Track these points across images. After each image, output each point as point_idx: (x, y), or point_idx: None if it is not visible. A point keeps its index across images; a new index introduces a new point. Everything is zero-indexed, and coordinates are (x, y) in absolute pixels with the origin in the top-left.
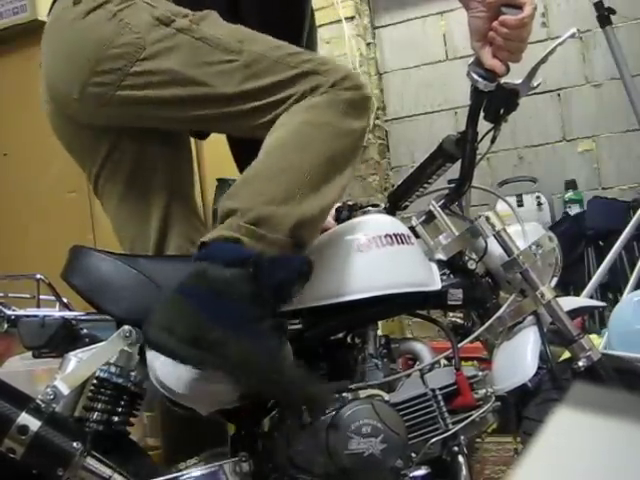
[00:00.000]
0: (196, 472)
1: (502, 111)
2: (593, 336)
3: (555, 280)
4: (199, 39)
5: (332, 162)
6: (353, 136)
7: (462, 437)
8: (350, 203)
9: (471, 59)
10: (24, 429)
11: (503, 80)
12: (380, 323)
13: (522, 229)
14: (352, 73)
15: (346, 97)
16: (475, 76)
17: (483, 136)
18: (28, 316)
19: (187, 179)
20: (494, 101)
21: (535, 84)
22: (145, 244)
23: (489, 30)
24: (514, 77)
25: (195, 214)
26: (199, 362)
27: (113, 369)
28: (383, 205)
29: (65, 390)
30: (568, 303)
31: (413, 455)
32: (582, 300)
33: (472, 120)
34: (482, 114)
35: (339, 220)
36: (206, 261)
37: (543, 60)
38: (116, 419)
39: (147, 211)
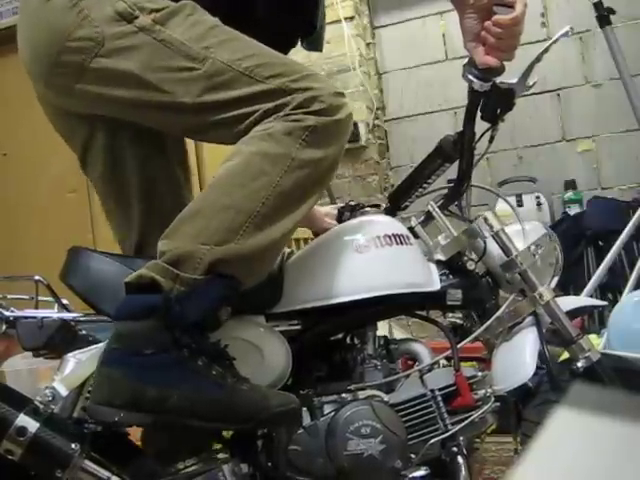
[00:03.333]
0: (195, 473)
1: (499, 111)
2: (593, 336)
3: (556, 279)
4: (160, 41)
5: (284, 197)
6: (315, 167)
7: (461, 438)
8: (352, 203)
9: (468, 60)
10: (22, 430)
11: (499, 80)
12: (380, 324)
13: (522, 228)
14: (324, 94)
15: (309, 123)
16: (470, 77)
17: (481, 136)
18: (27, 317)
19: (172, 179)
20: (490, 101)
21: (531, 83)
22: (130, 237)
23: (481, 30)
24: (510, 77)
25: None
26: (151, 423)
27: None
28: (384, 205)
29: (64, 391)
30: (570, 302)
31: (412, 456)
32: (584, 299)
33: (469, 120)
34: (479, 114)
35: (342, 221)
36: (119, 320)
37: (538, 59)
38: None
39: (127, 205)
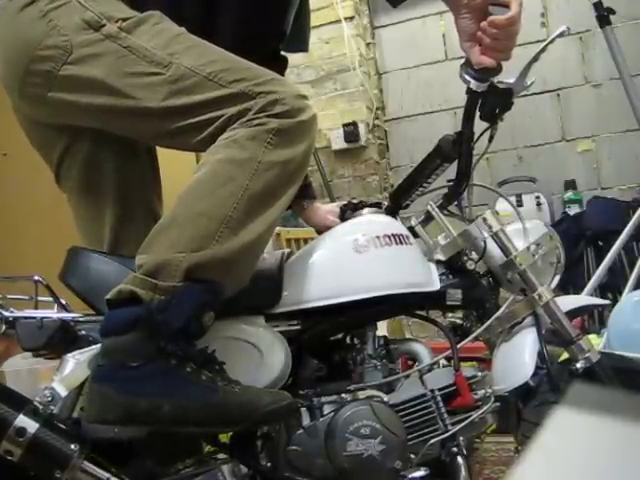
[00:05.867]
0: (194, 474)
1: (497, 110)
2: (593, 336)
3: (558, 278)
4: (126, 48)
5: (255, 200)
6: (283, 168)
7: (461, 438)
8: (355, 201)
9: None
10: (22, 431)
11: (497, 79)
12: (382, 323)
13: (523, 227)
14: (286, 96)
15: (273, 126)
16: (467, 77)
17: (479, 136)
18: (26, 317)
19: (145, 182)
20: (489, 101)
21: (529, 82)
22: (100, 240)
23: (477, 30)
24: (508, 77)
25: (154, 215)
26: (146, 434)
27: None
28: (386, 204)
29: (63, 392)
30: (570, 302)
31: (412, 456)
32: (585, 298)
33: (467, 120)
34: (478, 114)
35: (344, 219)
36: (105, 336)
37: (535, 58)
38: None
39: (101, 209)
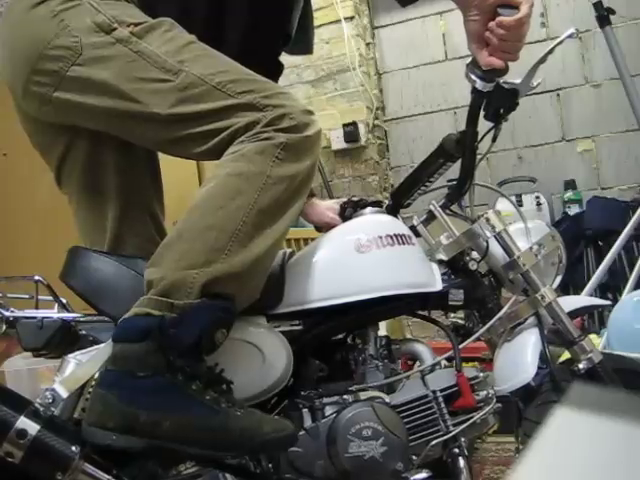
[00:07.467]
0: (196, 475)
1: (502, 111)
2: (593, 336)
3: (559, 278)
4: (136, 53)
5: (263, 214)
6: (290, 181)
7: (463, 439)
8: (355, 199)
9: (470, 59)
10: (23, 433)
11: (502, 80)
12: (383, 323)
13: (526, 227)
14: (294, 111)
15: (281, 140)
16: (473, 77)
17: (483, 136)
18: (27, 317)
19: (145, 184)
20: (494, 101)
21: (535, 84)
22: (101, 241)
23: (485, 31)
24: (514, 77)
25: (154, 217)
26: (143, 447)
27: None
28: (386, 202)
29: (64, 393)
30: (572, 302)
31: (414, 457)
32: (586, 299)
33: (472, 120)
34: (482, 114)
35: (344, 216)
36: (117, 342)
37: (542, 60)
38: None
39: (102, 210)
